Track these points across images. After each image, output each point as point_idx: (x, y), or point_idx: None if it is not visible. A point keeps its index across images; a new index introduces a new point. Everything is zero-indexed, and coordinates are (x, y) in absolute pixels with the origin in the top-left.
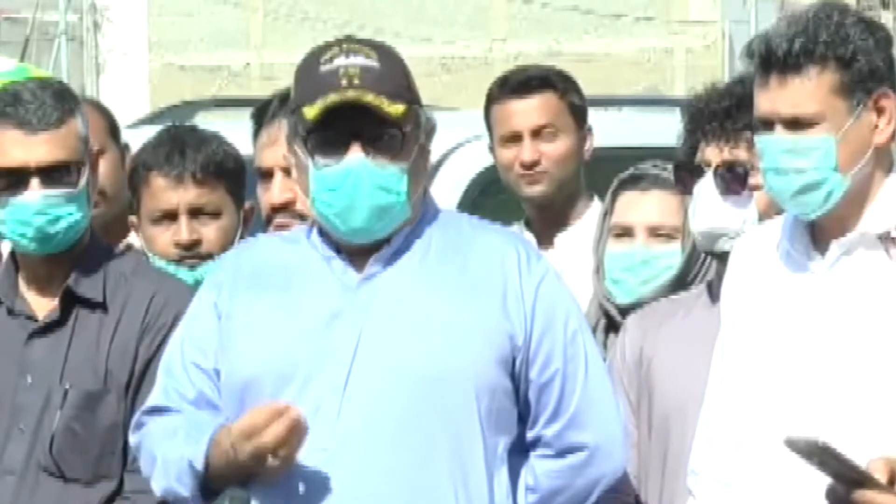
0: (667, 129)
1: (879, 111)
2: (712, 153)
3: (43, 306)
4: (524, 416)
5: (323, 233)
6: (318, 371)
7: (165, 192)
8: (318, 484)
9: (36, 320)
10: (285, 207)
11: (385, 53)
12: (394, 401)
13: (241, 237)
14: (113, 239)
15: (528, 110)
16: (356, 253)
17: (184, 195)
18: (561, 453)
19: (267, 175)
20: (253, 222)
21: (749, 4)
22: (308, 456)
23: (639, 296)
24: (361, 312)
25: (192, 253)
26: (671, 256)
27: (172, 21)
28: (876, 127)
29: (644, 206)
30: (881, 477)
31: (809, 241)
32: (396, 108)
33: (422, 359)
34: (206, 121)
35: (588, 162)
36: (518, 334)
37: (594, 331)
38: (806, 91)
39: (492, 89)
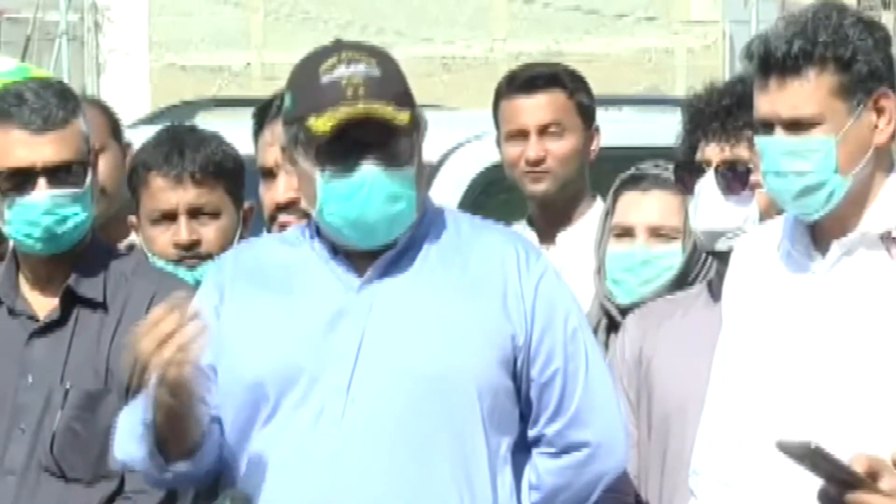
0: (667, 129)
1: (879, 111)
2: (713, 152)
3: (44, 306)
4: (525, 414)
5: (321, 233)
6: (322, 373)
7: (164, 192)
8: (323, 485)
9: (37, 320)
10: (289, 206)
11: (382, 58)
12: (397, 402)
13: (241, 237)
14: (112, 237)
15: (535, 107)
16: (356, 254)
17: (183, 195)
18: (563, 451)
19: (270, 174)
20: (253, 222)
21: (750, 5)
22: (312, 457)
23: (639, 296)
24: (363, 314)
25: (191, 253)
26: (672, 257)
27: (173, 21)
28: (876, 127)
29: (645, 207)
30: (859, 469)
31: (810, 241)
32: (404, 117)
33: (424, 359)
34: (206, 121)
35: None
36: (519, 334)
37: (595, 331)
38: (805, 93)
39: (501, 85)
